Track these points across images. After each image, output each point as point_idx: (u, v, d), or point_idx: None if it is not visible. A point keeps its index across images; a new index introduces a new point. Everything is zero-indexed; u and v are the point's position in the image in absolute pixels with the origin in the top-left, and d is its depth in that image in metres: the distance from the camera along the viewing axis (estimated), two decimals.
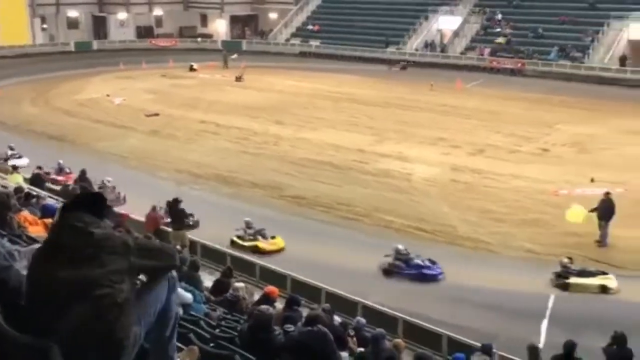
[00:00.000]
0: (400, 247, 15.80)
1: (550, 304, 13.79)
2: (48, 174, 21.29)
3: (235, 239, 16.97)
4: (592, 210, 17.33)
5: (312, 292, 13.03)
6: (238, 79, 42.63)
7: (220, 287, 11.07)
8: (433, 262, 15.62)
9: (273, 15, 60.89)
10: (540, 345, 12.06)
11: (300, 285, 13.31)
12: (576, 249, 17.05)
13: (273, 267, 14.48)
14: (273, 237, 17.17)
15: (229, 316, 8.69)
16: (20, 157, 23.51)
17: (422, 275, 15.33)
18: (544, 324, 12.95)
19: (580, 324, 12.77)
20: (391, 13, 53.01)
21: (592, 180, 22.06)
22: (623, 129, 29.61)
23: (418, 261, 15.55)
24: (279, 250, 16.92)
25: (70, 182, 20.06)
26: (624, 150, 26.55)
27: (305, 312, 9.01)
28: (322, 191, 21.62)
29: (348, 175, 23.53)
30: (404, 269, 15.45)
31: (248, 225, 17.19)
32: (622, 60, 41.72)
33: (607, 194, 17.67)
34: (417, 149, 26.85)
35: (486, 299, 14.30)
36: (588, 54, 43.28)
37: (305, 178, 23.06)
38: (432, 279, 15.31)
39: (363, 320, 10.37)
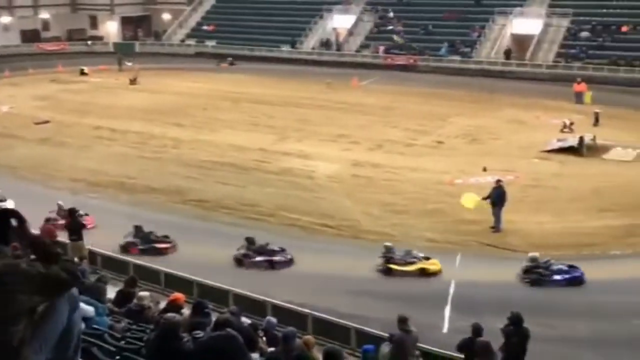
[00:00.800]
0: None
1: (452, 289, 14.33)
2: None
3: (392, 266, 15.47)
4: (485, 198, 18.23)
5: (220, 296, 12.90)
6: (132, 81, 41.41)
7: (123, 297, 10.73)
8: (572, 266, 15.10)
9: (166, 16, 59.56)
10: (445, 330, 12.63)
11: (208, 290, 13.14)
12: (473, 235, 17.89)
13: (179, 273, 14.21)
14: (427, 258, 15.85)
15: (134, 327, 8.45)
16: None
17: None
18: (447, 309, 13.46)
19: (480, 308, 13.36)
20: (287, 13, 53.26)
21: (484, 170, 23.16)
22: (510, 119, 31.29)
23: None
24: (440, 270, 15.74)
25: None
26: (512, 139, 28.07)
27: (214, 316, 8.90)
28: (225, 193, 21.43)
29: (251, 175, 23.45)
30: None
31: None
32: (507, 54, 43.99)
33: (499, 181, 18.64)
34: (318, 146, 27.16)
35: (391, 289, 14.71)
36: (475, 49, 45.31)
37: (208, 180, 22.78)
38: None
39: (273, 320, 10.38)
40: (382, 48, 47.71)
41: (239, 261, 16.08)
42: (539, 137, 27.74)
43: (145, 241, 16.82)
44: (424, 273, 15.35)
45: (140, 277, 12.81)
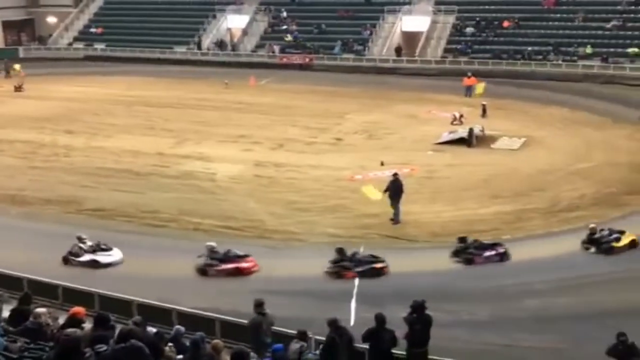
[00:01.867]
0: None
1: (356, 282, 14.64)
2: None
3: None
4: (385, 191, 18.77)
5: (123, 307, 12.51)
6: (17, 88, 39.31)
7: (18, 315, 10.18)
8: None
9: (52, 19, 56.78)
10: (352, 323, 12.87)
11: (110, 302, 12.71)
12: (374, 228, 18.35)
13: (77, 286, 13.64)
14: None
15: (32, 346, 8.08)
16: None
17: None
18: (353, 302, 13.73)
19: (385, 299, 13.73)
20: (178, 13, 52.25)
21: (382, 164, 23.81)
22: (404, 114, 32.29)
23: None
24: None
25: None
26: (407, 133, 29.01)
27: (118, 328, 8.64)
28: (123, 200, 20.80)
29: (150, 181, 22.89)
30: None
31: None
32: (398, 51, 45.30)
33: (395, 175, 19.22)
34: (219, 148, 26.91)
35: (298, 287, 14.84)
36: (368, 46, 46.35)
37: (104, 188, 22.01)
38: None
39: (182, 329, 10.20)
40: (277, 48, 47.83)
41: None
42: (432, 130, 28.83)
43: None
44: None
45: (35, 293, 12.19)
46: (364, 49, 46.16)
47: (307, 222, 19.02)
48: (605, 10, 43.09)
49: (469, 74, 37.24)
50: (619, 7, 42.87)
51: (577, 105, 33.10)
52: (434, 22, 46.19)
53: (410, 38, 46.21)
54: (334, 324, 9.97)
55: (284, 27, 49.71)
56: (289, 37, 48.17)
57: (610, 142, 26.65)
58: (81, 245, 16.16)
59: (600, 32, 41.94)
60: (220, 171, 23.74)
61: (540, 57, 41.28)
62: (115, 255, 16.26)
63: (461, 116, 30.22)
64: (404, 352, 10.22)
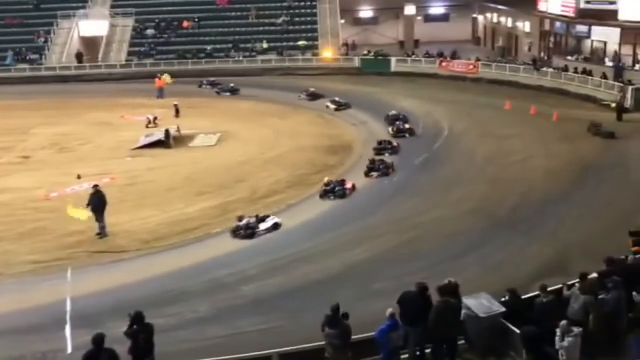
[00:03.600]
0: None
1: (68, 307, 13.74)
2: None
3: None
4: (88, 205, 17.88)
5: None
6: None
7: None
8: None
9: None
10: (69, 350, 12.08)
11: None
12: (80, 246, 17.36)
13: None
14: None
15: None
16: None
17: None
18: (67, 328, 12.88)
19: (102, 316, 13.14)
20: None
21: (78, 177, 22.58)
22: (95, 122, 30.97)
23: None
24: None
25: None
26: (101, 141, 27.92)
27: None
28: None
29: None
30: None
31: None
32: (79, 57, 43.17)
33: (95, 186, 18.43)
34: None
35: (3, 325, 13.34)
36: (45, 54, 43.27)
37: None
38: None
39: None
40: None
41: None
42: (127, 135, 28.20)
43: None
44: None
45: None
46: (40, 57, 42.98)
47: (2, 252, 17.16)
48: (274, 7, 46.59)
49: (159, 75, 37.20)
50: (285, 4, 46.68)
51: (261, 98, 35.33)
52: (112, 26, 45.00)
53: (91, 43, 44.37)
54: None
55: None
56: None
57: (295, 129, 29.09)
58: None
59: (272, 27, 45.24)
60: None
61: (222, 54, 43.02)
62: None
63: (155, 118, 30.08)
64: None
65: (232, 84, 37.38)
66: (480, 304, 10.50)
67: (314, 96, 34.61)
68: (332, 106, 32.35)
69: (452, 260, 15.29)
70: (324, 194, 20.41)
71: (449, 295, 10.20)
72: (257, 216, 18.32)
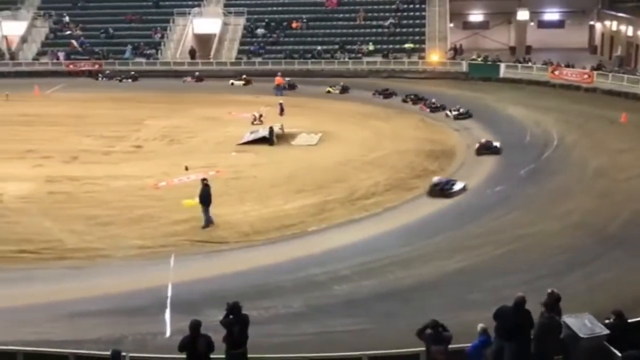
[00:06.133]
0: None
1: (169, 292, 14.32)
2: None
3: None
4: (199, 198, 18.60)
5: None
6: None
7: None
8: None
9: None
10: (168, 334, 12.59)
11: None
12: (183, 235, 18.05)
13: None
14: None
15: None
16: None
17: None
18: (167, 313, 13.43)
19: (200, 305, 13.60)
20: None
21: (186, 169, 23.51)
22: (204, 117, 32.17)
23: None
24: None
25: None
26: (209, 136, 28.95)
27: None
28: None
29: None
30: None
31: None
32: (192, 54, 44.94)
33: (204, 180, 19.11)
34: (3, 165, 24.67)
35: (106, 306, 14.09)
36: (160, 50, 45.38)
37: None
38: None
39: None
40: (62, 54, 44.97)
41: None
42: (233, 131, 29.07)
43: None
44: None
45: None
46: (156, 53, 45.13)
47: (112, 236, 18.15)
48: (383, 10, 46.53)
49: (279, 73, 38.31)
50: (393, 6, 46.50)
51: (365, 100, 35.38)
52: (225, 24, 46.51)
53: (204, 40, 46.09)
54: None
55: (68, 32, 46.87)
56: (73, 43, 45.50)
57: (397, 132, 28.91)
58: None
59: (379, 30, 45.20)
60: (7, 191, 21.76)
61: (329, 55, 43.46)
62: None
63: (261, 116, 30.85)
64: (223, 355, 10.22)
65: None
66: (582, 324, 9.98)
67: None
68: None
69: (554, 276, 14.62)
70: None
71: (552, 308, 9.76)
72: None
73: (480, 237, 17.37)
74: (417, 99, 34.49)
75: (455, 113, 31.13)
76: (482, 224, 18.34)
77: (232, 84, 40.51)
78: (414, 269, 15.60)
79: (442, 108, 32.29)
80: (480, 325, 9.56)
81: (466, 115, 30.82)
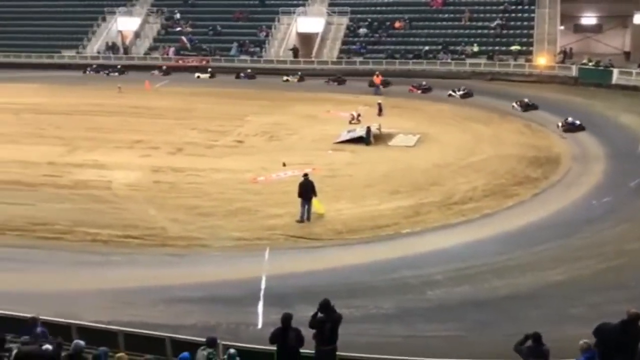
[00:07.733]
0: None
1: (263, 285, 14.61)
2: None
3: None
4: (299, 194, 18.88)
5: (21, 325, 11.81)
6: None
7: None
8: None
9: None
10: (260, 326, 12.85)
11: (5, 321, 11.96)
12: (279, 229, 18.37)
13: None
14: None
15: None
16: None
17: None
18: (260, 305, 13.70)
19: (292, 299, 13.79)
20: (65, 16, 50.15)
21: (284, 165, 23.91)
22: (303, 115, 32.57)
23: None
24: None
25: None
26: (307, 133, 29.29)
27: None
28: (13, 213, 19.69)
29: (41, 191, 21.81)
30: None
31: None
32: (295, 52, 45.59)
33: (305, 175, 19.39)
34: (114, 154, 26.05)
35: (203, 293, 14.59)
36: (265, 48, 46.35)
37: None
38: None
39: (81, 343, 9.79)
40: (172, 50, 46.88)
41: None
42: (331, 129, 29.26)
43: None
44: None
45: None
46: (260, 50, 46.13)
47: (211, 226, 18.77)
48: (489, 10, 45.29)
49: (377, 73, 38.39)
50: (501, 7, 45.19)
51: (466, 102, 34.61)
52: (328, 24, 46.83)
53: (306, 39, 46.63)
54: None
55: (178, 29, 48.80)
56: (183, 39, 47.32)
57: (498, 136, 28.09)
58: None
59: (485, 31, 44.05)
60: (116, 179, 22.98)
61: (431, 56, 42.83)
62: None
63: (359, 115, 30.88)
64: (313, 351, 10.31)
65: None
66: None
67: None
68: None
69: None
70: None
71: None
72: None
73: (583, 250, 16.57)
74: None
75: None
76: (586, 236, 17.48)
77: (287, 80, 41.23)
78: (510, 278, 15.10)
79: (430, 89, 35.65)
80: (584, 341, 9.09)
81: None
